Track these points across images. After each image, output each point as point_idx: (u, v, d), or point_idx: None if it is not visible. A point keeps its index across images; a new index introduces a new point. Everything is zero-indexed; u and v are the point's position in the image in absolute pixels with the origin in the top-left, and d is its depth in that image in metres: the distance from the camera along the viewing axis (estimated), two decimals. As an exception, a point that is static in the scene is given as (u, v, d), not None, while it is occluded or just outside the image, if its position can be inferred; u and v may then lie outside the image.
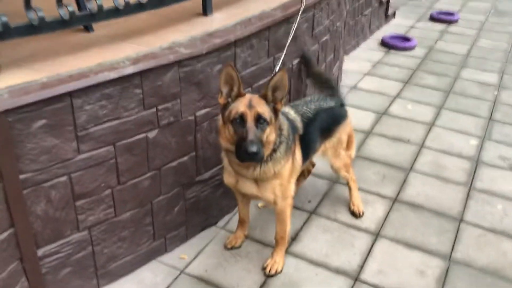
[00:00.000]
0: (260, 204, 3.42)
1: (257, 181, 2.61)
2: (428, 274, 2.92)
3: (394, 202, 3.52)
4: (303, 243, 3.11)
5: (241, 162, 2.42)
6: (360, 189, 3.62)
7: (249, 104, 2.36)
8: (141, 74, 2.42)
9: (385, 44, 6.38)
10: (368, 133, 4.38)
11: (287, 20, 3.28)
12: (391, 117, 4.69)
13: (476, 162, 4.03)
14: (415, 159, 4.02)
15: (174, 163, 2.78)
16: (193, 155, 2.88)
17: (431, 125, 4.56)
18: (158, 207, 2.81)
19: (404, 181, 3.76)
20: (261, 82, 3.20)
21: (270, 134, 2.41)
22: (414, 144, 4.24)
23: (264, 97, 2.40)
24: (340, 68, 5.11)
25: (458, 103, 5.01)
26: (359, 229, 3.26)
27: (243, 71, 3.01)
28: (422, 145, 4.22)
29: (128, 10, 2.56)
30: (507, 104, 5.05)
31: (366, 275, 2.89)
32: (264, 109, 2.36)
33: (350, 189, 3.40)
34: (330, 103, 3.12)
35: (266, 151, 2.45)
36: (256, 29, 2.99)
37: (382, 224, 3.30)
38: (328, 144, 3.10)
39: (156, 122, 2.59)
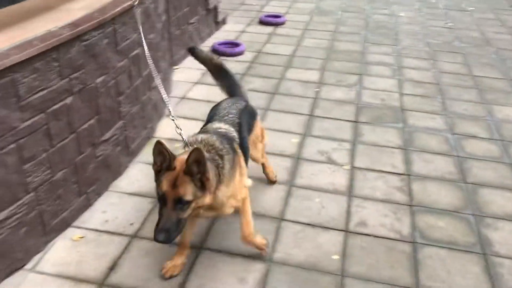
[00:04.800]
0: (76, 236, 3.19)
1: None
2: (248, 280, 2.94)
3: (218, 211, 3.51)
4: (122, 272, 2.95)
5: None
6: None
7: (173, 183, 2.36)
8: None
9: (215, 51, 6.45)
10: (194, 143, 4.34)
11: (78, 38, 3.09)
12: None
13: (297, 159, 4.20)
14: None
15: (-49, 210, 2.46)
16: (-24, 197, 2.58)
17: (256, 128, 4.67)
18: None
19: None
20: (56, 106, 2.98)
21: (199, 203, 2.45)
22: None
23: (188, 173, 2.38)
24: (166, 80, 5.03)
25: (282, 103, 5.21)
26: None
27: (30, 97, 2.77)
28: (247, 149, 4.30)
29: None
30: (326, 99, 5.37)
31: (187, 294, 2.83)
32: (186, 189, 2.37)
33: (264, 166, 3.75)
34: (242, 103, 3.27)
35: (203, 208, 2.53)
36: (38, 51, 2.76)
37: (205, 237, 3.27)
38: (251, 138, 3.26)
39: None
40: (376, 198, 3.77)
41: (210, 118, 3.17)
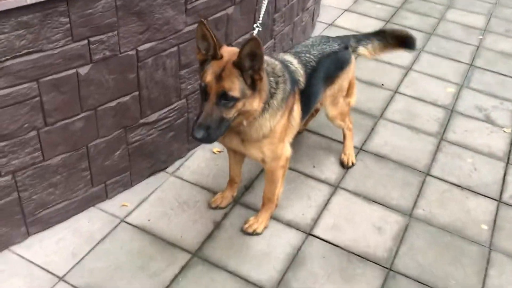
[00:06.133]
0: (215, 149, 3.19)
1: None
2: (385, 231, 2.76)
3: (359, 151, 3.31)
4: (256, 193, 2.90)
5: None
6: (324, 136, 3.41)
7: (218, 74, 2.02)
8: (67, 0, 2.08)
9: (370, -22, 5.94)
10: (340, 76, 4.09)
11: None
12: (366, 59, 4.37)
13: (451, 112, 3.80)
14: (386, 106, 3.78)
15: (113, 103, 2.50)
16: (135, 94, 2.60)
17: (408, 69, 4.28)
18: (96, 151, 2.55)
19: (372, 129, 3.53)
20: (218, 15, 2.87)
21: (246, 106, 2.09)
22: (387, 89, 3.99)
23: (239, 65, 2.03)
24: (316, 2, 4.73)
25: (439, 47, 4.71)
26: (318, 180, 3.06)
27: (196, 1, 2.67)
28: (396, 91, 3.97)
29: None
30: (491, 49, 4.77)
31: (319, 230, 2.72)
32: (233, 84, 2.02)
33: (344, 137, 3.19)
34: (333, 46, 2.78)
35: (246, 119, 2.18)
36: (212, -48, 2.63)
37: (343, 176, 3.11)
38: (329, 91, 2.80)
39: (89, 57, 2.28)
40: (539, 171, 3.33)
41: (287, 50, 2.76)
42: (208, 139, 2.08)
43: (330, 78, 2.77)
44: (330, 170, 3.14)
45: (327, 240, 2.67)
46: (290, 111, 2.44)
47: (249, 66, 2.04)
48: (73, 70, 2.25)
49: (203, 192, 2.88)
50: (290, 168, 3.08)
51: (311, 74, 2.58)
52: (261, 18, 2.51)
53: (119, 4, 2.27)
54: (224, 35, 3.00)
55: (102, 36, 2.28)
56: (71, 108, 2.34)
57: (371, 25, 4.96)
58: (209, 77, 2.04)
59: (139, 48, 2.48)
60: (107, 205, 2.74)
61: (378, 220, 2.82)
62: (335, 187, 3.02)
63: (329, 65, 2.72)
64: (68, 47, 2.18)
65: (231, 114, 2.08)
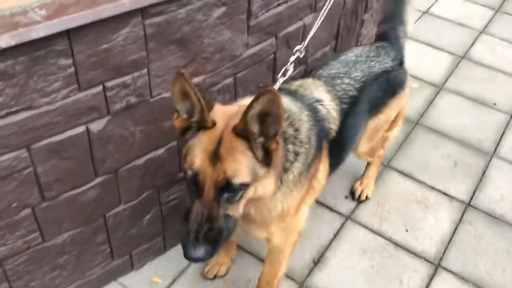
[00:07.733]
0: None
1: None
2: None
3: (466, 208, 2.49)
4: (329, 271, 2.18)
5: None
6: (421, 182, 2.60)
7: (214, 152, 1.29)
8: (69, 34, 1.36)
9: None
10: (439, 88, 3.20)
11: None
12: (472, 63, 3.45)
13: None
14: (501, 137, 2.89)
15: (140, 161, 1.81)
16: (173, 145, 1.89)
17: (527, 81, 3.33)
18: (117, 220, 1.89)
19: (484, 173, 2.68)
20: (291, 28, 2.08)
21: (258, 191, 1.39)
22: (501, 110, 3.07)
23: (244, 133, 1.30)
24: (411, -16, 3.78)
25: None
26: (412, 253, 2.28)
27: (262, 15, 1.89)
28: (513, 114, 3.07)
29: None
30: None
31: None
32: (240, 164, 1.30)
33: (368, 164, 2.48)
34: (385, 62, 1.99)
35: (254, 206, 1.51)
36: None
37: (446, 247, 2.32)
38: (372, 124, 2.02)
39: (105, 108, 1.57)
40: None
41: (320, 67, 1.93)
42: (212, 255, 1.36)
43: (376, 107, 1.97)
44: (428, 236, 2.36)
45: None
46: (315, 172, 1.71)
47: (261, 132, 1.30)
48: (82, 128, 1.56)
49: (246, 258, 2.19)
50: (374, 232, 2.34)
51: (349, 110, 1.81)
52: (307, 40, 1.80)
53: (150, 33, 1.53)
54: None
55: (124, 79, 1.56)
56: (80, 176, 1.66)
57: (478, 15, 3.99)
58: (199, 159, 1.30)
59: (179, 87, 1.74)
60: (133, 279, 2.10)
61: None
62: (436, 265, 2.24)
63: (377, 91, 1.94)
64: (73, 99, 1.48)
65: (240, 209, 1.36)
